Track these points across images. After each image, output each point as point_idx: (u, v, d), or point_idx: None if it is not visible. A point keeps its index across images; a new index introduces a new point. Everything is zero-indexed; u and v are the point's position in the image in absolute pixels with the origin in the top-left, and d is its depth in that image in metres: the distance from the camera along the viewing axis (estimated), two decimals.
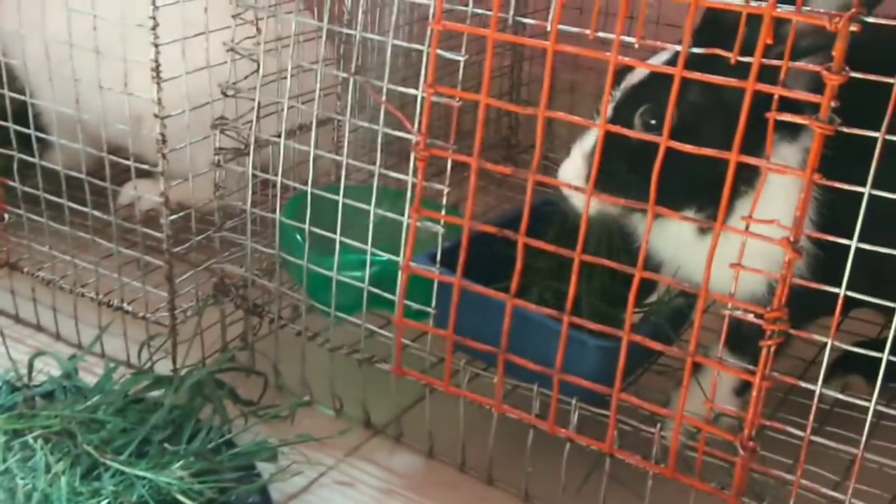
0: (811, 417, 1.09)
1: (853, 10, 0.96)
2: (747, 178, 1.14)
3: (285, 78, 1.39)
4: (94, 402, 1.34)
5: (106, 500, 1.16)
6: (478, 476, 1.40)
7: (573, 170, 1.26)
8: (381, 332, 1.43)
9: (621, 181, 1.18)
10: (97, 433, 1.27)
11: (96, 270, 1.58)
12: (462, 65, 1.23)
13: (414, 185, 1.27)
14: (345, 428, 1.45)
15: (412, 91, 1.27)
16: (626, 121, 1.20)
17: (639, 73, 1.23)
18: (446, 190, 1.29)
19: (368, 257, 1.38)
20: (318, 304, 1.47)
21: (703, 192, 1.17)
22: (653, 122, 1.20)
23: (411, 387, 1.40)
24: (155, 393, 1.42)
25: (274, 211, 1.48)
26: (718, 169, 1.06)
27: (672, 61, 1.09)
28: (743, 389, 1.33)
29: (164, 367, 1.54)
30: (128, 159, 1.48)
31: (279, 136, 1.42)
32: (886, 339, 1.07)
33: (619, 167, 1.18)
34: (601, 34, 1.10)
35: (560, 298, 1.29)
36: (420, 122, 1.23)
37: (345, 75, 1.33)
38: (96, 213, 1.54)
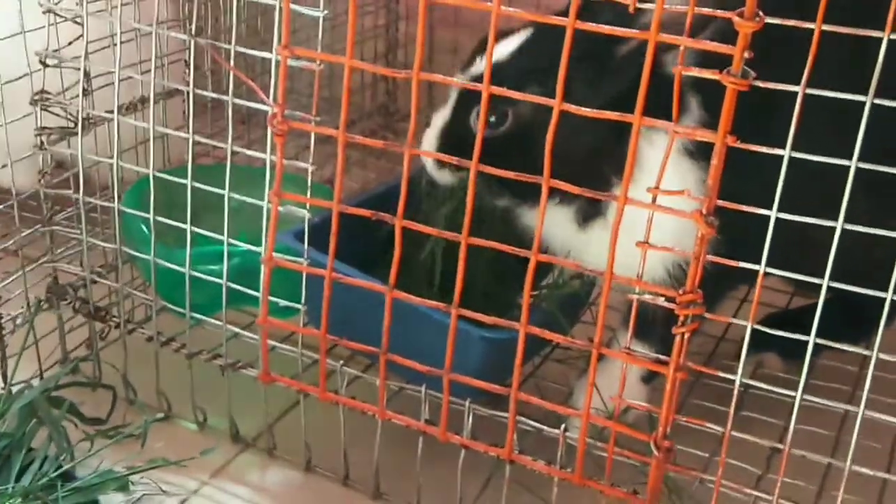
0: (731, 411, 0.97)
1: None
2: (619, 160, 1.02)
3: (118, 44, 1.19)
4: None
5: None
6: (363, 489, 1.24)
7: (431, 141, 1.15)
8: (246, 333, 1.25)
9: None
10: None
11: None
12: (321, 21, 1.06)
13: (273, 164, 1.10)
14: (208, 446, 1.27)
15: (264, 54, 1.09)
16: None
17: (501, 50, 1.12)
18: (311, 168, 1.12)
19: (226, 248, 1.20)
20: (171, 304, 1.28)
21: (578, 174, 1.02)
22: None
23: (284, 393, 1.23)
24: None
25: (112, 199, 1.28)
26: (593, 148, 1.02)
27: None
28: (651, 377, 1.22)
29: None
30: None
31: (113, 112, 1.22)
32: (799, 310, 0.97)
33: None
34: None
35: (445, 280, 1.14)
36: (276, 91, 1.06)
37: (183, 37, 1.13)
38: None
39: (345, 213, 1.05)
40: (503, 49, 1.13)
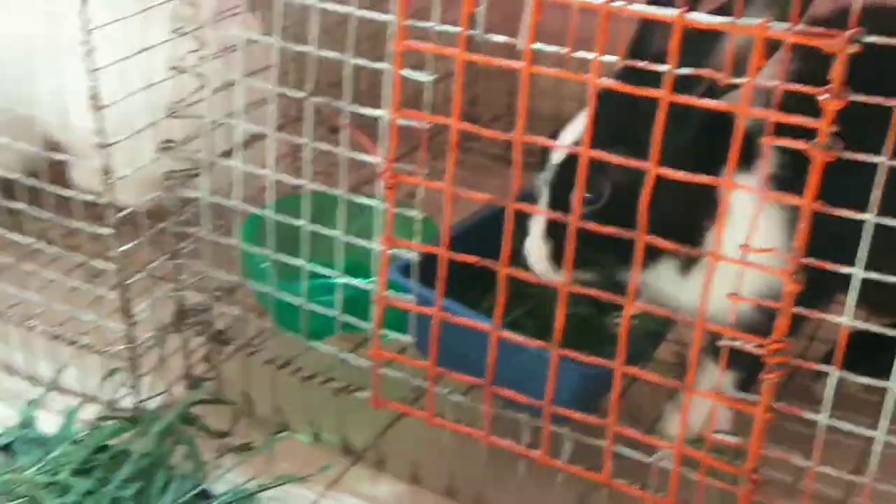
0: (817, 450, 1.05)
1: (853, 29, 0.89)
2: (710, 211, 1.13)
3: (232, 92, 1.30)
4: (56, 459, 1.26)
5: None
6: (466, 502, 1.35)
7: (538, 245, 1.23)
8: (356, 357, 1.36)
9: (590, 251, 1.11)
10: (62, 497, 1.20)
11: (46, 302, 1.48)
12: (427, 85, 1.14)
13: (383, 211, 1.20)
14: (321, 458, 1.38)
15: (377, 113, 1.18)
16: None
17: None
18: (420, 216, 1.21)
19: (339, 282, 1.31)
20: (286, 327, 1.39)
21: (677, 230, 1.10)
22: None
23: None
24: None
25: (228, 234, 1.39)
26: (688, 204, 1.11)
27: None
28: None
29: (128, 401, 1.46)
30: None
31: (228, 155, 1.33)
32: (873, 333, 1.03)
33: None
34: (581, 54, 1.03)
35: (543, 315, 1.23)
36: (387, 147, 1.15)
37: (301, 95, 1.23)
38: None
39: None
40: (575, 129, 1.21)
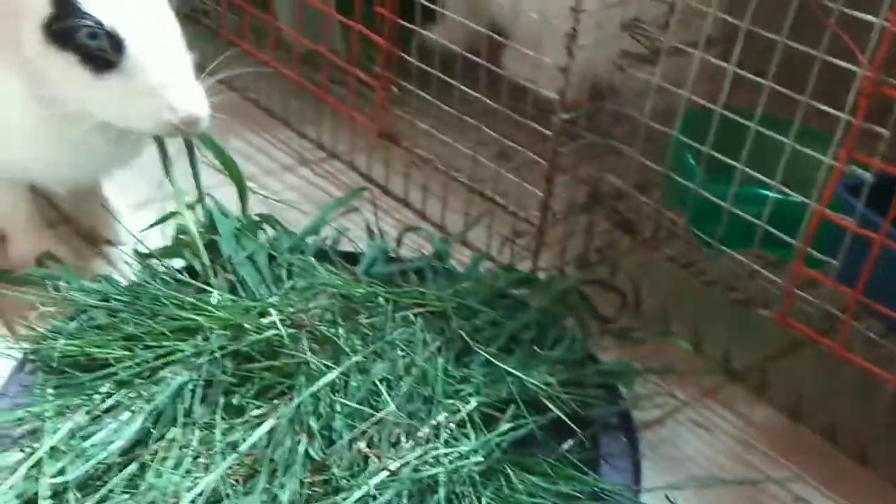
0: None
1: None
2: None
3: None
4: (464, 289, 1.35)
5: (473, 388, 1.17)
6: (848, 452, 1.27)
7: None
8: (766, 273, 1.32)
9: None
10: (468, 320, 1.28)
11: (473, 157, 1.58)
12: None
13: (848, 123, 1.14)
14: (700, 368, 1.37)
15: (870, 18, 1.12)
16: None
17: None
18: (886, 134, 1.14)
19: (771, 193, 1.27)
20: (700, 232, 1.38)
21: None
22: None
23: (777, 336, 1.30)
24: (516, 292, 1.41)
25: (668, 126, 1.39)
26: None
27: None
28: None
29: (523, 267, 1.53)
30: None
31: (692, 47, 1.32)
32: None
33: None
34: None
35: None
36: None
37: None
38: (475, 94, 1.52)
39: None
40: None
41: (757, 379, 1.37)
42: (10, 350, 1.24)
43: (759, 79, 1.25)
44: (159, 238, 1.45)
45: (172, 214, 1.41)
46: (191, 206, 1.41)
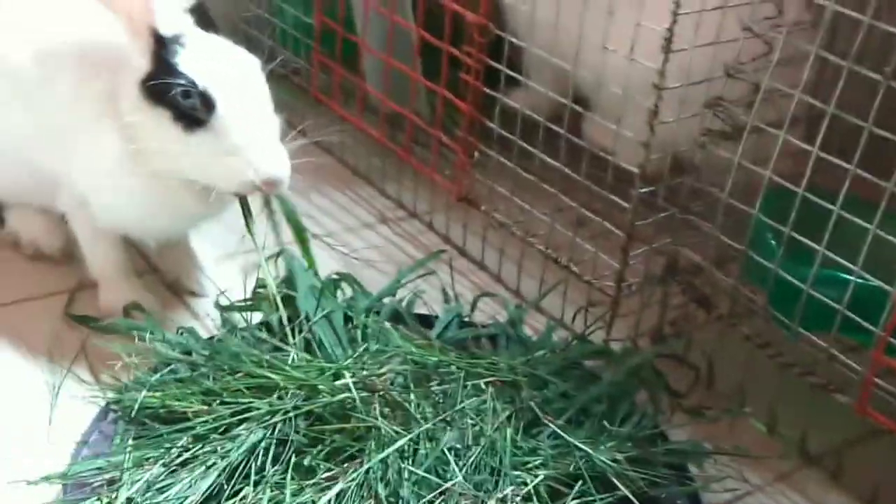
0: None
1: None
2: None
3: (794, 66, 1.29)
4: (536, 358, 1.35)
5: (541, 461, 1.17)
6: None
7: None
8: (845, 359, 1.29)
9: None
10: (540, 390, 1.29)
11: (550, 224, 1.59)
12: None
13: None
14: (774, 450, 1.35)
15: None
16: None
17: None
18: None
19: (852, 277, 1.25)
20: (778, 313, 1.37)
21: None
22: None
23: (854, 421, 1.26)
24: (588, 363, 1.41)
25: (747, 203, 1.38)
26: None
27: None
28: None
29: (595, 337, 1.52)
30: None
31: (775, 126, 1.32)
32: None
33: None
34: None
35: None
36: None
37: (876, 77, 1.18)
38: (554, 163, 1.54)
39: None
40: None
41: (833, 464, 1.34)
42: (94, 398, 1.29)
43: (843, 163, 1.24)
44: (240, 290, 1.49)
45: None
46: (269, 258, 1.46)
